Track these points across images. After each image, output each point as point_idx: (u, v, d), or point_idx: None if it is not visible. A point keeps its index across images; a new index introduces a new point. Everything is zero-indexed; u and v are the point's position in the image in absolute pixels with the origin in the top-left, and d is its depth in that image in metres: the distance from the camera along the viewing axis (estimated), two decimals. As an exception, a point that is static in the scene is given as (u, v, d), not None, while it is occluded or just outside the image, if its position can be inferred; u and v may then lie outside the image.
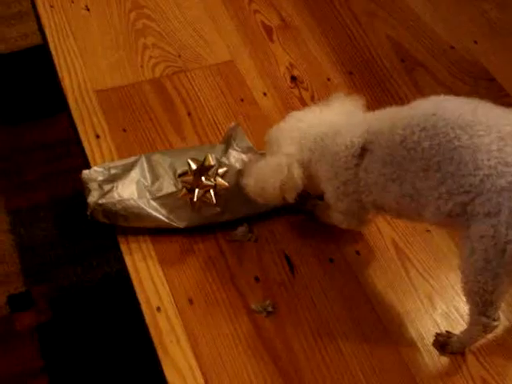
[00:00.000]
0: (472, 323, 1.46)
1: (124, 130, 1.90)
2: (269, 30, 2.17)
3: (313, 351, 1.53)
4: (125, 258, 1.65)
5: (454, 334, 1.53)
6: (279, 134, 1.63)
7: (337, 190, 1.53)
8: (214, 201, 1.68)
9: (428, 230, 1.71)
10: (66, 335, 1.54)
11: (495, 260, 1.31)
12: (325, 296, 1.61)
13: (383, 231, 1.72)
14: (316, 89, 2.01)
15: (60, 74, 2.03)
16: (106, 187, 1.67)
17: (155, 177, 1.70)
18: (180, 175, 1.70)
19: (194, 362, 1.51)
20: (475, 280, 1.36)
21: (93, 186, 1.67)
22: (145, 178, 1.70)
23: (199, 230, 1.70)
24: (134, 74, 2.04)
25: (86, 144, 1.86)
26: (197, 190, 1.68)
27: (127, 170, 1.71)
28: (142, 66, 2.06)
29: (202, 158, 1.71)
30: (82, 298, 1.59)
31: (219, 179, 1.69)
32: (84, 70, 2.04)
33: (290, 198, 1.59)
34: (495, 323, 1.43)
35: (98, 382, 1.48)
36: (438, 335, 1.55)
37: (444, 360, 1.52)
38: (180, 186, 1.69)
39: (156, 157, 1.74)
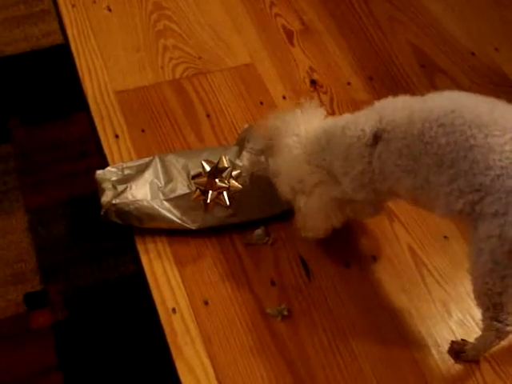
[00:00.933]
0: (485, 329, 1.46)
1: (143, 131, 1.90)
2: (289, 34, 2.17)
3: (327, 356, 1.53)
4: (141, 258, 1.66)
5: (470, 342, 1.52)
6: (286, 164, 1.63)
7: (353, 182, 1.52)
8: (228, 203, 1.68)
9: (445, 237, 1.71)
10: (81, 334, 1.55)
11: (502, 261, 1.31)
12: (340, 301, 1.61)
13: (400, 237, 1.72)
14: (336, 93, 2.01)
15: (80, 74, 2.03)
16: (120, 187, 1.68)
17: (169, 178, 1.71)
18: (193, 177, 1.71)
19: (208, 364, 1.51)
20: (483, 282, 1.36)
21: (107, 185, 1.68)
22: (158, 178, 1.70)
23: (216, 233, 1.71)
24: (154, 75, 2.04)
25: (104, 144, 1.87)
26: (210, 192, 1.68)
27: (141, 170, 1.72)
28: (162, 68, 2.06)
29: (215, 160, 1.72)
30: (98, 298, 1.60)
31: (233, 181, 1.70)
32: (104, 70, 2.05)
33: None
34: (508, 328, 1.42)
35: (111, 382, 1.49)
36: (453, 343, 1.54)
37: (459, 368, 1.52)
38: (193, 188, 1.69)
39: (170, 158, 1.75)
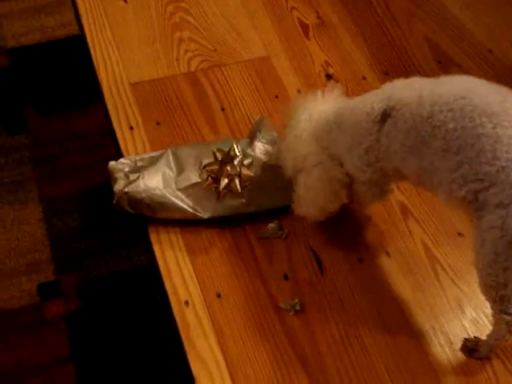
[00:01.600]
0: (496, 323, 1.46)
1: (157, 123, 1.90)
2: (305, 28, 2.16)
3: (339, 351, 1.53)
4: (154, 250, 1.66)
5: (482, 339, 1.52)
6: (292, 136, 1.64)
7: (360, 160, 1.52)
8: (240, 189, 1.68)
9: (460, 234, 1.70)
10: (94, 325, 1.55)
11: (504, 252, 1.32)
12: (353, 296, 1.61)
13: (414, 233, 1.71)
14: (351, 87, 2.01)
15: (96, 65, 2.04)
16: (132, 176, 1.68)
17: (181, 168, 1.71)
18: (205, 166, 1.71)
19: (220, 357, 1.51)
20: (487, 273, 1.36)
21: (119, 175, 1.69)
22: (170, 169, 1.71)
23: (229, 226, 1.71)
24: (169, 67, 2.04)
25: (119, 135, 1.87)
26: (222, 179, 1.68)
27: (153, 162, 1.72)
28: (177, 60, 2.06)
29: (227, 149, 1.72)
30: (111, 289, 1.60)
31: (244, 169, 1.70)
32: (120, 61, 2.05)
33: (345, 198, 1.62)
34: None
35: (124, 373, 1.49)
36: (466, 340, 1.54)
37: (471, 365, 1.51)
38: (205, 177, 1.69)
39: (182, 150, 1.75)
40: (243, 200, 1.70)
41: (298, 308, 1.58)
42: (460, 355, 1.52)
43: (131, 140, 1.86)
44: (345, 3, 2.24)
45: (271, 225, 1.70)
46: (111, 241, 1.67)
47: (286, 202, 1.71)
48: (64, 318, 1.55)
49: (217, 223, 1.70)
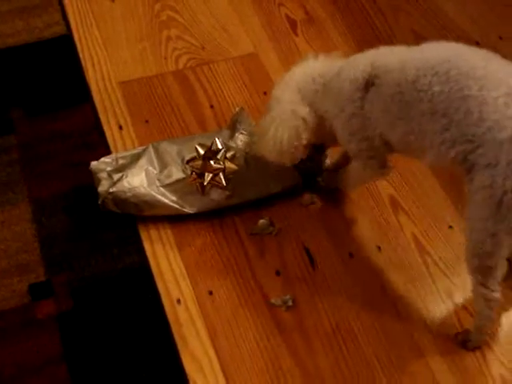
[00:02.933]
0: (475, 300, 1.47)
1: (146, 121, 1.90)
2: (293, 24, 2.16)
3: (331, 344, 1.53)
4: (145, 249, 1.66)
5: (470, 329, 1.54)
6: (276, 90, 1.64)
7: (344, 128, 1.53)
8: (225, 183, 1.69)
9: (450, 226, 1.71)
10: (86, 325, 1.55)
11: (492, 216, 1.33)
12: (344, 291, 1.61)
13: (404, 227, 1.71)
14: (339, 82, 2.00)
15: (84, 65, 2.03)
16: (116, 176, 1.68)
17: (163, 164, 1.71)
18: (188, 161, 1.71)
19: (213, 355, 1.51)
20: (475, 240, 1.38)
21: (102, 175, 1.69)
22: (153, 166, 1.71)
23: (220, 222, 1.71)
24: (157, 65, 2.04)
25: (108, 134, 1.87)
26: (206, 174, 1.69)
27: (135, 159, 1.72)
28: (165, 58, 2.06)
29: (209, 143, 1.72)
30: (103, 289, 1.60)
31: (228, 162, 1.71)
32: (108, 60, 2.05)
33: (304, 140, 1.59)
34: (495, 294, 1.43)
35: (116, 372, 1.49)
36: (457, 334, 1.54)
37: (463, 357, 1.52)
38: (189, 172, 1.70)
39: (163, 145, 1.75)
40: (227, 193, 1.70)
41: (290, 304, 1.58)
42: (451, 346, 1.53)
43: (120, 139, 1.86)
44: (332, -2, 2.24)
45: (262, 221, 1.70)
46: (102, 240, 1.67)
47: (270, 191, 1.72)
48: (56, 317, 1.55)
49: (207, 220, 1.71)
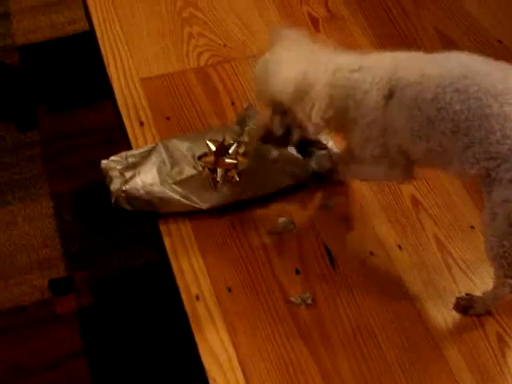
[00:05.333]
0: (498, 286, 1.47)
1: (168, 118, 1.90)
2: (315, 21, 2.16)
3: (351, 345, 1.53)
4: (165, 245, 1.66)
5: (476, 296, 1.54)
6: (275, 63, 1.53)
7: (362, 133, 1.49)
8: (238, 178, 1.69)
9: (472, 227, 1.70)
10: (106, 320, 1.55)
11: None
12: (365, 290, 1.60)
13: (425, 226, 1.70)
14: (361, 81, 2.00)
15: (106, 61, 2.04)
16: (128, 174, 1.68)
17: (174, 161, 1.71)
18: (199, 157, 1.72)
19: (232, 351, 1.51)
20: (500, 244, 1.38)
21: (114, 173, 1.69)
22: (164, 163, 1.71)
23: (240, 219, 1.71)
24: (179, 62, 2.04)
25: (129, 131, 1.87)
26: (219, 170, 1.69)
27: (145, 157, 1.72)
28: (187, 55, 2.06)
29: (219, 139, 1.73)
30: (123, 284, 1.61)
31: (240, 157, 1.71)
32: (129, 57, 2.05)
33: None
34: None
35: (136, 367, 1.50)
36: (458, 299, 1.55)
37: (485, 359, 1.50)
38: (200, 168, 1.70)
39: (173, 142, 1.75)
40: (240, 188, 1.70)
41: (309, 302, 1.58)
42: (473, 348, 1.51)
43: (141, 135, 1.86)
44: (354, -5, 2.23)
45: (282, 219, 1.70)
46: (122, 236, 1.67)
47: (281, 186, 1.73)
48: (76, 313, 1.56)
49: (227, 217, 1.71)
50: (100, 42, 2.08)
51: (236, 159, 1.71)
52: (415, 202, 1.74)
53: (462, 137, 1.35)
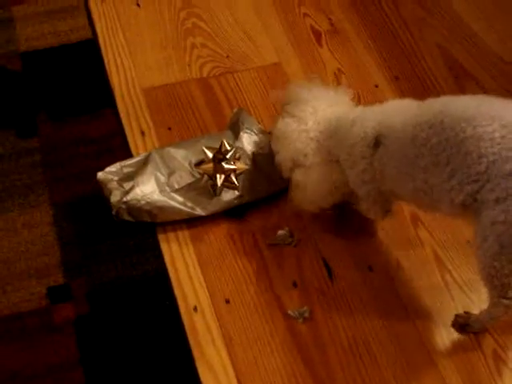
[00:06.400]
0: (492, 306, 1.47)
1: (169, 128, 1.90)
2: (318, 34, 2.16)
3: (348, 359, 1.52)
4: (164, 256, 1.66)
5: (473, 314, 1.54)
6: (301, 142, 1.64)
7: (356, 177, 1.56)
8: (237, 183, 1.71)
9: (469, 242, 1.69)
10: (103, 330, 1.55)
11: (510, 245, 1.33)
12: (362, 304, 1.60)
13: (424, 241, 1.70)
14: (363, 95, 2.00)
15: (108, 70, 2.04)
16: (127, 185, 1.68)
17: (170, 170, 1.72)
18: (196, 164, 1.72)
19: (228, 364, 1.51)
20: (491, 266, 1.38)
21: (113, 185, 1.68)
22: (161, 172, 1.71)
23: (239, 231, 1.71)
24: (181, 72, 2.04)
25: (130, 140, 1.88)
26: (218, 176, 1.70)
27: (140, 167, 1.72)
28: (189, 65, 2.06)
29: (214, 146, 1.73)
30: (121, 294, 1.60)
31: (238, 162, 1.73)
32: (132, 66, 2.05)
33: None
34: None
35: (132, 378, 1.49)
36: (457, 316, 1.55)
37: (483, 374, 1.50)
38: (197, 175, 1.71)
39: (167, 150, 1.75)
40: (237, 192, 1.71)
41: (306, 315, 1.58)
42: (470, 367, 1.51)
43: (142, 145, 1.86)
44: (357, 10, 2.23)
45: (281, 231, 1.70)
46: (121, 246, 1.67)
47: (276, 188, 1.75)
48: (73, 322, 1.55)
49: (226, 228, 1.71)
50: (103, 50, 2.09)
51: (234, 164, 1.72)
52: (414, 217, 1.74)
53: (444, 167, 1.37)
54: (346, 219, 1.74)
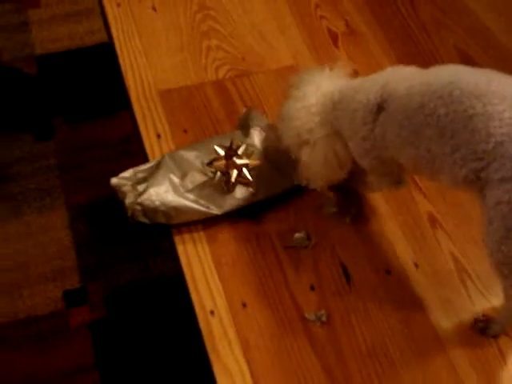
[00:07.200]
0: (507, 299, 1.46)
1: (185, 131, 1.90)
2: (334, 36, 2.15)
3: (365, 363, 1.51)
4: (180, 260, 1.66)
5: (492, 317, 1.53)
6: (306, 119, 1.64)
7: (358, 147, 1.56)
8: (250, 178, 1.70)
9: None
10: (119, 333, 1.55)
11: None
12: (380, 308, 1.59)
13: (442, 245, 1.69)
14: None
15: (124, 73, 2.04)
16: (140, 187, 1.68)
17: (183, 172, 1.71)
18: (209, 163, 1.72)
19: (245, 367, 1.50)
20: (499, 250, 1.36)
21: (127, 188, 1.69)
22: (174, 174, 1.71)
23: (255, 234, 1.70)
24: (197, 75, 2.04)
25: (146, 143, 1.87)
26: (231, 172, 1.70)
27: (153, 171, 1.72)
28: (205, 68, 2.06)
29: (226, 144, 1.74)
30: (137, 298, 1.60)
31: (250, 158, 1.73)
32: (148, 69, 2.05)
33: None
34: None
35: (148, 382, 1.48)
36: (476, 320, 1.55)
37: (503, 378, 1.49)
38: (210, 174, 1.71)
39: (179, 153, 1.75)
40: (252, 190, 1.71)
41: (324, 319, 1.57)
42: (489, 369, 1.50)
43: (158, 148, 1.86)
44: (374, 12, 2.22)
45: (298, 234, 1.69)
46: (137, 249, 1.67)
47: (288, 185, 1.74)
48: (89, 325, 1.55)
49: (242, 231, 1.71)
50: (119, 53, 2.09)
51: (246, 159, 1.72)
52: (432, 219, 1.73)
53: (449, 140, 1.36)
54: (362, 222, 1.73)
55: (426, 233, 1.71)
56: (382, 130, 1.49)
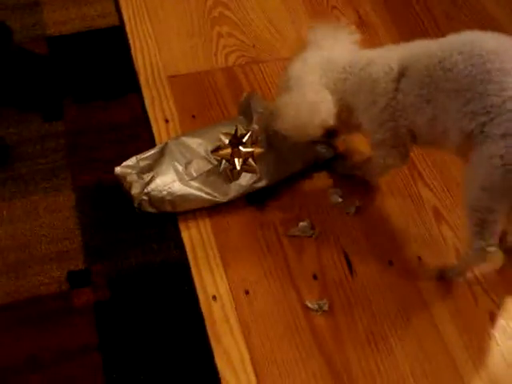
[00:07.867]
0: (469, 247, 1.51)
1: (193, 117, 1.90)
2: (345, 26, 2.15)
3: (365, 352, 1.53)
4: (184, 245, 1.66)
5: (449, 266, 1.62)
6: (300, 70, 1.66)
7: (373, 119, 1.58)
8: (255, 166, 1.71)
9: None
10: (122, 315, 1.56)
11: (499, 181, 1.37)
12: (382, 298, 1.60)
13: (446, 239, 1.70)
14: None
15: (134, 56, 2.04)
16: (146, 176, 1.68)
17: (187, 159, 1.72)
18: (213, 151, 1.72)
19: (245, 354, 1.51)
20: (477, 198, 1.42)
21: (133, 178, 1.68)
22: (178, 162, 1.71)
23: (259, 222, 1.71)
24: (206, 61, 2.04)
25: (154, 127, 1.87)
26: (237, 160, 1.70)
27: (157, 159, 1.72)
28: (215, 54, 2.06)
29: (230, 132, 1.74)
30: (141, 281, 1.61)
31: (255, 146, 1.73)
32: (158, 54, 2.05)
33: (324, 122, 1.62)
34: (491, 249, 1.47)
35: (149, 365, 1.50)
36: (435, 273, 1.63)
37: (498, 367, 1.50)
38: (214, 162, 1.71)
39: (182, 140, 1.75)
40: (255, 176, 1.72)
41: (325, 308, 1.58)
42: (487, 361, 1.51)
43: (166, 133, 1.86)
44: (385, 3, 2.22)
45: (302, 223, 1.70)
46: (142, 233, 1.67)
47: (293, 170, 1.76)
48: (93, 307, 1.56)
49: (247, 219, 1.71)
50: (129, 36, 2.09)
51: (251, 147, 1.72)
52: (437, 213, 1.74)
53: (464, 92, 1.40)
54: (367, 213, 1.73)
55: (430, 227, 1.72)
56: (403, 97, 1.51)
